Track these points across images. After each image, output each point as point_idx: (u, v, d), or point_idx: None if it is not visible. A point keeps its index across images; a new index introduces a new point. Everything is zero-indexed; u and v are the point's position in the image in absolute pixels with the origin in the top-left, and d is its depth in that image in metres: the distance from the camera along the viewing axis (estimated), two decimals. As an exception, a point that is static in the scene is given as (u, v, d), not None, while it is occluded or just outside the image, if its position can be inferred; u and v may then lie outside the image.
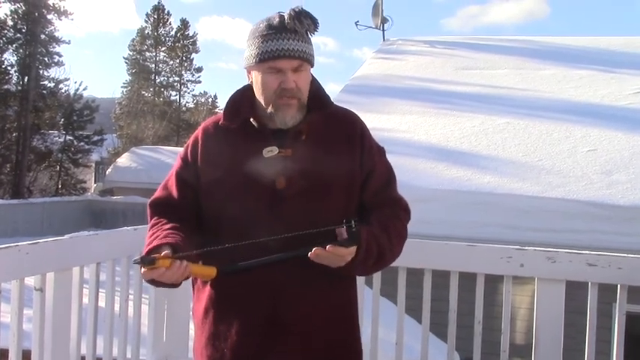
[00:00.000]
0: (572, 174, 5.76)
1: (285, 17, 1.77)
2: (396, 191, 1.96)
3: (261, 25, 1.80)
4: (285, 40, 1.75)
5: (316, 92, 1.88)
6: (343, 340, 1.88)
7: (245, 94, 1.87)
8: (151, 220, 1.88)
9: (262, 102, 1.80)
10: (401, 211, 1.93)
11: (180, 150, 1.96)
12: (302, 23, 1.76)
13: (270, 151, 1.78)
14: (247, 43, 1.82)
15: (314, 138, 1.83)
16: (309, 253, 1.65)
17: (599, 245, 4.53)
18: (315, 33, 1.81)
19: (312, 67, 1.85)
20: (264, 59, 1.75)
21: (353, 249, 1.68)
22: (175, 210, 1.86)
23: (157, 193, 1.93)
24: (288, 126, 1.79)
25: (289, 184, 1.78)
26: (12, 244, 2.21)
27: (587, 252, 2.61)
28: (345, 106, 1.99)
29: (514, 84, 8.23)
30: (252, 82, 1.84)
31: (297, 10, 1.77)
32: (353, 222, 1.69)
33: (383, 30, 10.65)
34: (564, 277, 2.59)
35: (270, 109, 1.79)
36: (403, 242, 1.91)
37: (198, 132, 1.92)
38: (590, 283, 2.58)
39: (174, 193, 1.88)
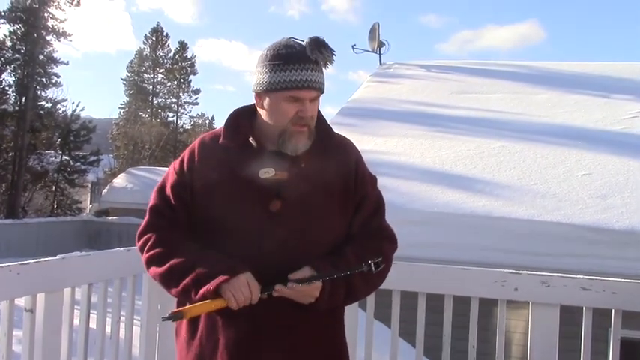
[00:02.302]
0: (567, 198, 5.77)
1: (307, 48, 1.76)
2: (384, 220, 1.96)
3: (280, 51, 1.78)
4: (308, 70, 1.75)
5: (320, 122, 1.90)
6: None
7: (245, 114, 1.88)
8: (158, 229, 1.85)
9: (273, 127, 1.80)
10: (384, 241, 1.92)
11: (176, 161, 1.94)
12: (323, 55, 1.77)
13: (267, 173, 1.79)
14: (262, 68, 1.79)
15: (311, 163, 1.84)
16: (273, 292, 1.70)
17: (593, 270, 4.52)
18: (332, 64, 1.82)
19: None
20: (287, 88, 1.75)
21: (318, 285, 1.71)
22: (176, 220, 1.86)
23: (157, 201, 1.89)
24: (298, 153, 1.80)
25: (283, 208, 1.78)
26: (3, 265, 2.20)
27: (581, 276, 2.60)
28: (341, 129, 2.01)
29: (509, 108, 8.27)
30: (261, 105, 1.83)
31: (318, 40, 1.78)
32: (372, 264, 1.76)
33: (380, 54, 10.74)
34: (558, 302, 2.58)
35: (281, 136, 1.79)
36: (384, 274, 1.90)
37: (195, 145, 1.91)
38: (584, 308, 2.57)
39: (174, 203, 1.86)
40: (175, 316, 1.69)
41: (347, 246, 1.84)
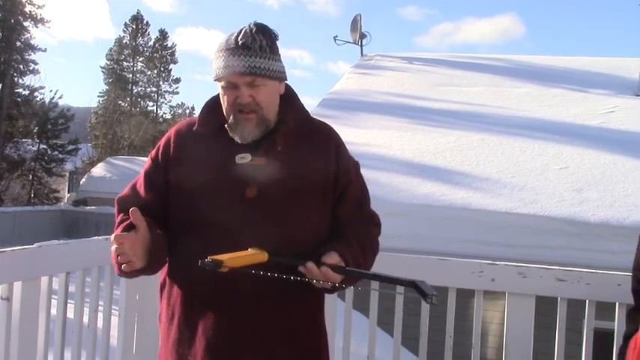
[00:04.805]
0: (544, 191, 5.83)
1: (239, 32, 1.78)
2: (370, 206, 1.97)
3: (221, 41, 1.82)
4: (235, 56, 1.75)
5: (293, 104, 1.89)
6: (308, 351, 1.88)
7: (220, 101, 1.88)
8: (118, 215, 1.90)
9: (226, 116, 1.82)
10: (373, 226, 1.94)
11: (152, 150, 1.95)
12: (255, 39, 1.76)
13: (243, 158, 1.78)
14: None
15: (289, 149, 1.83)
16: (300, 267, 1.67)
17: (569, 261, 4.57)
18: (272, 48, 1.79)
19: (279, 80, 1.84)
20: (218, 76, 1.79)
21: (341, 276, 1.70)
22: (142, 209, 1.85)
23: (126, 191, 1.94)
24: (247, 141, 1.79)
25: (260, 194, 1.77)
26: (-21, 253, 2.17)
27: (556, 267, 2.64)
28: (321, 120, 2.00)
29: (489, 101, 8.33)
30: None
31: (251, 26, 1.78)
32: (434, 297, 1.69)
33: (361, 45, 10.73)
34: (534, 292, 2.61)
35: (230, 123, 1.80)
36: (374, 258, 1.94)
37: (171, 133, 1.92)
38: (559, 299, 2.61)
39: (142, 193, 1.89)
40: (214, 264, 1.58)
41: (348, 233, 1.83)
